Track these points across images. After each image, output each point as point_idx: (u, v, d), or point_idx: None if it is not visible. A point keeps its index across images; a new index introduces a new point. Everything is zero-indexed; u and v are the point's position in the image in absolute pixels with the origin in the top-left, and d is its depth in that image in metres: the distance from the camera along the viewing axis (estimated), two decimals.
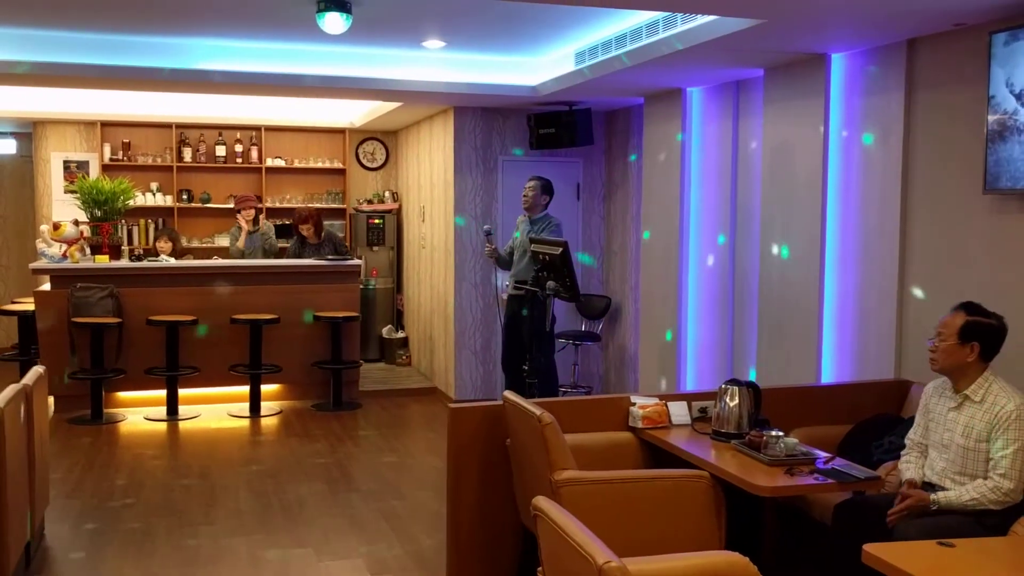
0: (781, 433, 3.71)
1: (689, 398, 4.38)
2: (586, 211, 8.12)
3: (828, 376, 5.21)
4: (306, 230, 8.28)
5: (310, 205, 9.20)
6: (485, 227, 6.93)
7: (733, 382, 4.07)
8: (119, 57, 6.37)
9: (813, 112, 5.19)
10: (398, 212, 9.99)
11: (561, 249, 5.34)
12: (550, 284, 5.35)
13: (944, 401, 3.51)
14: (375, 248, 9.80)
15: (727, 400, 4.03)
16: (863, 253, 4.96)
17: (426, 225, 8.88)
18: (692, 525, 3.65)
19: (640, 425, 4.20)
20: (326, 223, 9.87)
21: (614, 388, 7.98)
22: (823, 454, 3.74)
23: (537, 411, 3.60)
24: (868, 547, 2.70)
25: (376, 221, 9.78)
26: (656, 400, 4.28)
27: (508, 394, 3.97)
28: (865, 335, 4.97)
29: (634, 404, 4.26)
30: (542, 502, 2.47)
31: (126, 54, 6.38)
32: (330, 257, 8.30)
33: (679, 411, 4.29)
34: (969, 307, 3.44)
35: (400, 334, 9.75)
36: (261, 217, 8.77)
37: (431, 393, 8.50)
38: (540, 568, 2.69)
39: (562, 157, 7.98)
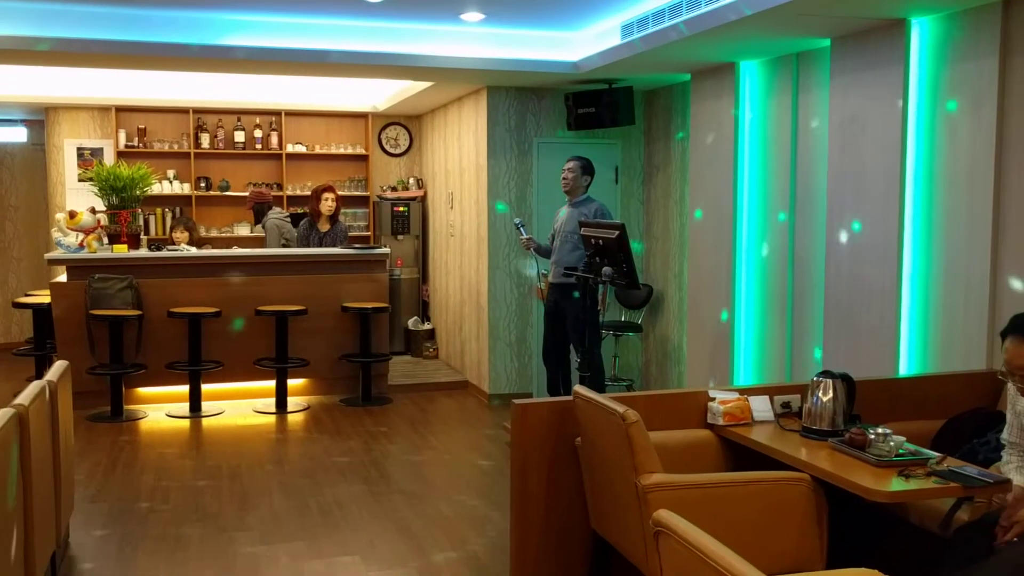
0: (888, 431, 3.35)
1: (771, 391, 4.02)
2: (625, 195, 7.75)
3: (906, 368, 4.84)
4: (329, 199, 7.80)
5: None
6: (516, 220, 6.58)
7: (826, 374, 3.70)
8: (137, 32, 6.02)
9: (890, 83, 4.81)
10: (423, 199, 9.63)
11: (618, 232, 4.98)
12: (606, 270, 4.99)
13: None
14: (400, 237, 9.44)
15: (820, 394, 3.67)
16: (949, 235, 4.58)
17: (455, 212, 8.52)
18: (792, 532, 3.30)
19: (721, 422, 3.83)
20: (351, 211, 9.58)
21: (655, 381, 7.62)
22: (933, 453, 3.38)
23: (620, 408, 3.24)
24: None
25: (401, 209, 9.42)
26: (737, 395, 3.92)
27: (581, 389, 3.61)
28: (951, 323, 4.59)
29: (713, 399, 3.90)
30: (667, 517, 2.11)
31: (145, 29, 6.03)
32: (357, 246, 7.95)
33: (761, 406, 3.93)
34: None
35: (426, 326, 9.40)
36: (276, 212, 8.34)
37: (462, 387, 8.15)
38: None
39: (599, 139, 7.61)
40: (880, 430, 3.35)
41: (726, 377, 6.29)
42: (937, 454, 3.38)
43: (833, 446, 3.50)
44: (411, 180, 9.79)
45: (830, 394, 3.66)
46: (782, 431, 3.79)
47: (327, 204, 7.85)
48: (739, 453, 3.85)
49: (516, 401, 3.78)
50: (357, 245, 8.00)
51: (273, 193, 8.80)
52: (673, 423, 3.87)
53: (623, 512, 3.36)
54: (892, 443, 3.30)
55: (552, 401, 3.83)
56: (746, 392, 3.98)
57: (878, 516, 3.78)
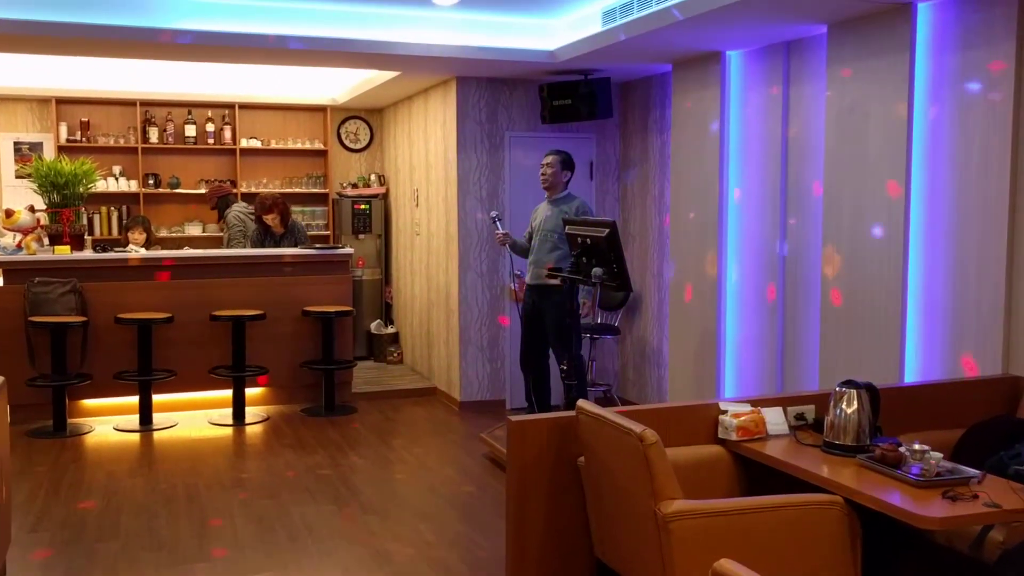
0: (927, 447, 3.06)
1: (783, 402, 3.72)
2: (600, 191, 7.42)
3: (914, 374, 4.58)
4: (271, 220, 7.41)
5: (274, 191, 8.23)
6: (492, 213, 6.23)
7: (849, 384, 3.41)
8: (78, 14, 5.52)
9: (894, 72, 4.54)
10: (386, 196, 9.21)
11: (608, 230, 4.64)
12: (596, 271, 4.64)
13: None
14: (361, 236, 9.02)
15: (843, 406, 3.37)
16: (960, 232, 4.32)
17: (421, 210, 8.12)
18: (823, 560, 2.99)
19: (735, 437, 3.52)
20: (309, 209, 9.15)
21: (633, 386, 7.32)
22: (971, 470, 3.09)
23: (636, 428, 2.90)
24: None
25: (362, 207, 9.00)
26: (749, 407, 3.61)
27: (586, 404, 3.27)
28: (961, 326, 4.33)
29: (725, 412, 3.59)
30: (730, 568, 1.77)
31: (86, 10, 5.53)
32: (318, 245, 7.52)
33: (775, 418, 3.63)
34: None
35: (390, 329, 8.99)
36: (239, 206, 7.86)
37: (430, 394, 7.76)
38: None
39: (573, 132, 7.28)
40: (917, 446, 3.06)
41: (712, 382, 6.00)
42: (976, 471, 3.10)
43: (862, 463, 3.21)
44: (372, 176, 9.36)
45: (854, 405, 3.37)
46: (800, 446, 3.50)
47: (271, 222, 7.42)
48: (752, 470, 3.55)
49: (512, 418, 3.42)
50: (318, 245, 7.57)
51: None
52: (681, 438, 3.55)
53: (637, 541, 3.02)
54: (932, 460, 3.01)
55: (552, 417, 3.48)
56: (758, 403, 3.68)
57: (899, 532, 3.51)
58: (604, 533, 3.31)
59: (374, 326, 8.95)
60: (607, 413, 3.12)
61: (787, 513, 2.94)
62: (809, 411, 3.71)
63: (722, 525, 2.88)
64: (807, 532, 2.95)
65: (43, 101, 8.50)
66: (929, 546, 3.50)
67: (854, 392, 3.37)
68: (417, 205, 8.22)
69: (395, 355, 8.80)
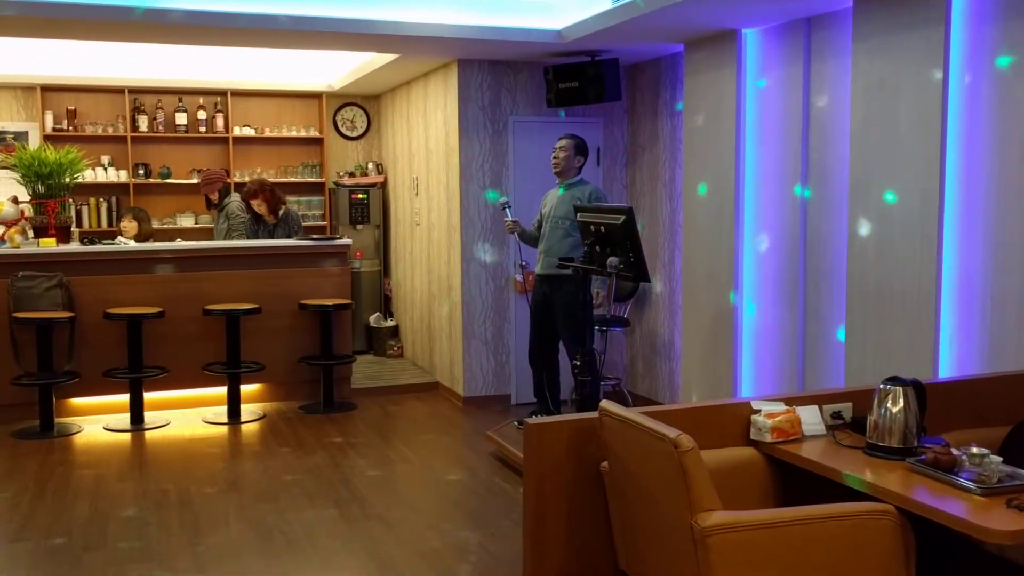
0: (986, 451, 2.80)
1: (818, 400, 3.47)
2: (607, 178, 7.14)
3: (949, 368, 4.32)
4: (257, 206, 7.13)
5: (260, 178, 7.88)
6: (502, 199, 5.99)
7: (894, 381, 3.15)
8: None
9: (928, 45, 4.26)
10: (384, 185, 8.92)
11: (624, 217, 4.37)
12: (612, 260, 4.37)
13: None
14: (359, 226, 8.73)
15: (888, 405, 3.11)
16: (1000, 214, 4.06)
17: (421, 199, 7.84)
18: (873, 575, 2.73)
19: (769, 439, 3.26)
20: (304, 199, 8.88)
21: (643, 379, 7.06)
22: None
23: (671, 433, 2.64)
24: None
25: (360, 196, 8.71)
26: (783, 406, 3.35)
27: (611, 405, 3.00)
28: (1001, 316, 4.07)
29: (758, 412, 3.33)
30: None
31: None
32: (315, 236, 7.24)
33: (811, 418, 3.38)
34: None
35: (389, 322, 8.71)
36: (236, 195, 7.55)
37: (432, 389, 7.49)
38: None
39: (579, 117, 7.00)
40: (975, 449, 2.80)
41: (728, 376, 5.73)
42: None
43: (912, 468, 2.95)
44: (370, 165, 9.07)
45: (900, 404, 3.11)
46: (839, 447, 3.24)
47: (258, 209, 7.16)
48: (787, 473, 3.29)
49: (530, 421, 3.16)
50: (315, 236, 7.29)
51: None
52: (710, 440, 3.28)
53: (670, 555, 2.76)
54: (992, 465, 2.75)
55: (572, 420, 3.21)
56: (791, 402, 3.42)
57: (944, 538, 3.25)
58: (631, 545, 3.05)
59: (373, 319, 8.68)
60: (635, 416, 2.85)
61: (836, 524, 2.68)
62: (846, 409, 3.45)
63: (765, 538, 2.61)
64: (857, 544, 2.69)
65: (28, 88, 8.19)
66: (979, 554, 3.25)
67: (900, 390, 3.11)
68: (417, 194, 7.94)
69: (395, 349, 8.53)
